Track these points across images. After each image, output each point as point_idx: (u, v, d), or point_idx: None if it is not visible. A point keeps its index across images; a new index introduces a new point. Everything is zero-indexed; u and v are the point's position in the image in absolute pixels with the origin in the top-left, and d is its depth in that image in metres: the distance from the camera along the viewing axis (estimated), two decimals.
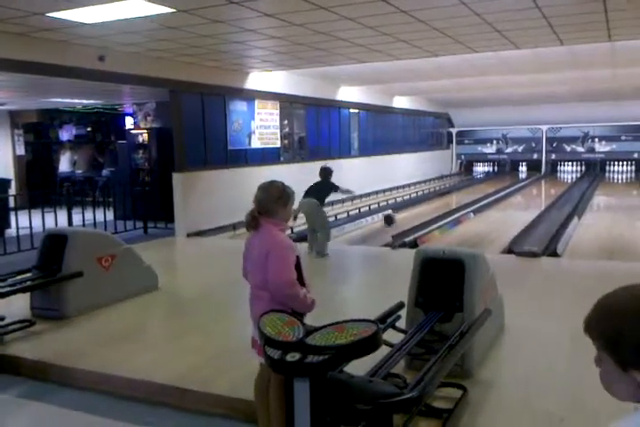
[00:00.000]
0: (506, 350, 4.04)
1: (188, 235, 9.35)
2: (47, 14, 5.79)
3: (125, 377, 3.72)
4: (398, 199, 15.26)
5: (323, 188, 7.82)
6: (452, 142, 24.35)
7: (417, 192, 17.05)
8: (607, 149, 22.49)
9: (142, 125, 11.85)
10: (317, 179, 7.95)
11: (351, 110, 15.14)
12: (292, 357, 2.14)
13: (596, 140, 22.59)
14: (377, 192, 15.52)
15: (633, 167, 22.27)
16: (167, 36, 7.12)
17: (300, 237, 9.18)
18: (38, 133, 14.87)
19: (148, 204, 10.13)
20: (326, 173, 8.01)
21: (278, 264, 2.70)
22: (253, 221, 2.83)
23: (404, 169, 18.47)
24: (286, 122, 12.44)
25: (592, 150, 22.73)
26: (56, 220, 8.84)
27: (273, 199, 2.83)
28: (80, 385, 3.79)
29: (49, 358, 4.07)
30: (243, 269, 2.96)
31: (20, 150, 13.99)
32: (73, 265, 5.02)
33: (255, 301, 2.83)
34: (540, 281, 6.26)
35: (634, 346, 0.97)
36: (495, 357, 3.88)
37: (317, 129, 13.56)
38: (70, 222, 8.79)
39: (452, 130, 24.24)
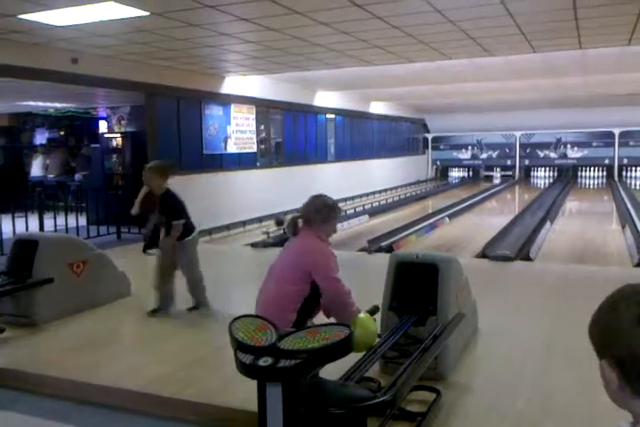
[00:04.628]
0: (479, 354, 4.07)
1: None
2: (18, 16, 5.71)
3: (97, 385, 3.66)
4: (374, 204, 15.32)
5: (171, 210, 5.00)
6: (427, 148, 24.55)
7: (393, 197, 17.14)
8: (579, 154, 22.89)
9: (116, 129, 11.72)
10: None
11: (328, 115, 15.19)
12: (265, 361, 2.12)
13: (569, 146, 22.98)
14: (353, 197, 15.57)
15: (604, 173, 22.70)
16: (142, 39, 7.07)
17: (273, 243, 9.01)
18: (10, 137, 14.61)
19: (122, 208, 9.98)
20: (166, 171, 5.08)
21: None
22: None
23: (381, 174, 18.56)
24: (263, 127, 12.42)
25: (564, 156, 23.12)
26: (27, 225, 8.68)
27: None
28: (51, 393, 3.72)
29: (19, 366, 3.98)
30: None
31: None
32: (43, 271, 4.92)
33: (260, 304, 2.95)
34: (514, 285, 6.33)
35: (596, 335, 1.00)
36: (469, 360, 3.90)
37: (294, 134, 13.56)
38: (42, 228, 8.64)
39: (427, 135, 24.44)
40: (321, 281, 2.88)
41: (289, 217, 3.07)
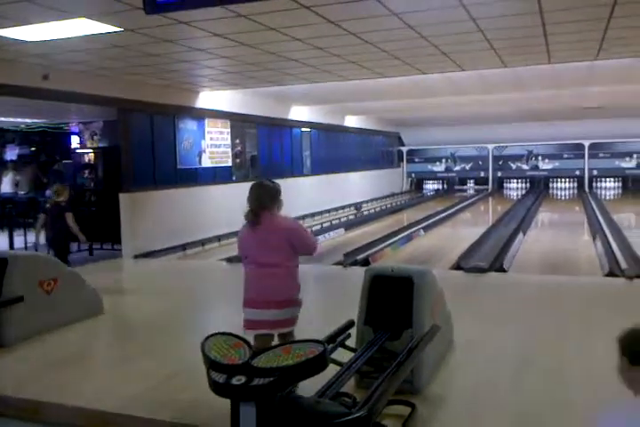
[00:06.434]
0: (455, 366, 4.07)
1: (136, 256, 9.13)
2: None
3: (68, 406, 3.57)
4: (350, 217, 15.35)
5: None
6: (402, 161, 24.76)
7: (369, 210, 17.20)
8: (550, 166, 23.32)
9: (89, 145, 11.60)
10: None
11: (303, 129, 15.24)
12: (238, 380, 2.10)
13: (540, 158, 23.41)
14: (329, 210, 15.59)
15: (575, 184, 23.13)
16: (115, 54, 7.03)
17: None
18: None
19: (94, 225, 9.87)
20: None
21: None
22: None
23: (356, 187, 18.65)
24: (238, 141, 12.40)
25: (536, 168, 23.53)
26: None
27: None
28: (20, 415, 3.62)
29: None
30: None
31: None
32: (13, 290, 4.81)
33: (267, 278, 3.48)
34: (488, 296, 6.38)
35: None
36: (444, 373, 3.90)
37: (269, 148, 13.58)
38: (12, 245, 8.49)
39: (402, 149, 24.67)
40: (301, 246, 3.53)
41: (247, 210, 3.48)
